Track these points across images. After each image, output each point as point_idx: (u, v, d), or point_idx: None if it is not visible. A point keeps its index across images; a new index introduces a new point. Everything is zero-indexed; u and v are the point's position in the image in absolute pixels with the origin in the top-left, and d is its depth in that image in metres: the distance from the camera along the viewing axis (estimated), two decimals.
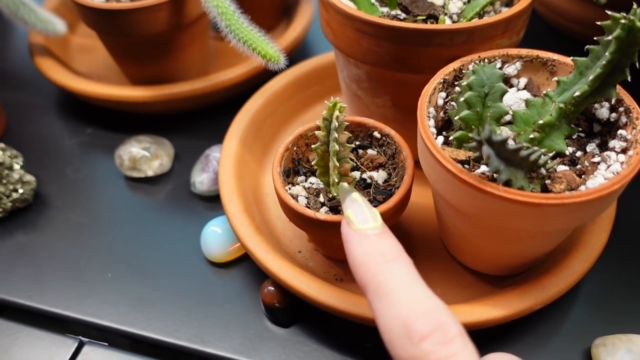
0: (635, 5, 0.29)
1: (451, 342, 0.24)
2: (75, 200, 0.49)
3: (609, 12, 0.30)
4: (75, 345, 0.40)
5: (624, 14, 0.29)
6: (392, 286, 0.26)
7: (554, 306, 0.39)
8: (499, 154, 0.29)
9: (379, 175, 0.38)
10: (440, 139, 0.34)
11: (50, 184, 0.50)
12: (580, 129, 0.35)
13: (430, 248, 0.42)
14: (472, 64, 0.36)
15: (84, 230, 0.47)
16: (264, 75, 0.53)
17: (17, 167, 0.47)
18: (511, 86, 0.38)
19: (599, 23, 0.30)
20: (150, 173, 0.49)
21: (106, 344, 0.40)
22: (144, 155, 0.49)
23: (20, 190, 0.47)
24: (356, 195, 0.30)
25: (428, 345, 0.24)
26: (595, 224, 0.39)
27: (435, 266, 0.40)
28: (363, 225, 0.28)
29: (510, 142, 0.29)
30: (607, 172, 0.32)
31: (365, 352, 0.38)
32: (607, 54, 0.30)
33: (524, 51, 0.37)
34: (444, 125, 0.37)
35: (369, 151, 0.40)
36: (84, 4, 0.47)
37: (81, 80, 0.53)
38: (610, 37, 0.30)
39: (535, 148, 0.30)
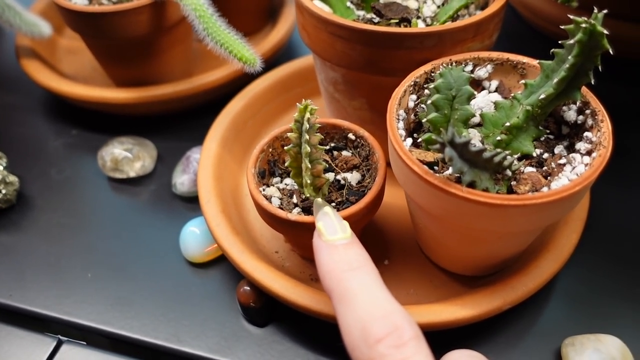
0: (595, 10, 0.30)
1: (405, 345, 0.24)
2: (58, 201, 0.49)
3: (571, 17, 0.30)
4: (54, 344, 0.40)
5: (585, 18, 0.30)
6: (355, 292, 0.27)
7: (525, 306, 0.39)
8: (462, 156, 0.29)
9: (353, 177, 0.39)
10: (409, 140, 0.35)
11: (34, 184, 0.51)
12: (549, 132, 0.36)
13: (405, 248, 0.42)
14: (442, 66, 0.36)
15: (66, 230, 0.47)
16: (246, 78, 0.53)
17: (0, 167, 0.48)
18: (483, 89, 0.38)
19: (562, 27, 0.31)
20: (132, 174, 0.50)
21: (84, 343, 0.41)
22: (126, 156, 0.50)
23: (3, 191, 0.47)
24: (328, 209, 0.32)
25: (382, 348, 0.24)
26: (566, 224, 0.39)
27: (410, 266, 0.41)
28: (332, 236, 0.30)
29: (474, 144, 0.29)
30: (571, 174, 0.32)
31: (337, 352, 0.38)
32: (570, 57, 0.31)
33: (494, 54, 0.37)
34: (416, 128, 0.37)
35: (344, 153, 0.40)
36: (66, 7, 0.48)
37: (66, 82, 0.54)
38: (573, 41, 0.30)
39: (499, 150, 0.30)
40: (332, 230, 0.30)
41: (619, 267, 0.42)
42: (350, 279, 0.27)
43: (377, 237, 0.43)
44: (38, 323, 0.42)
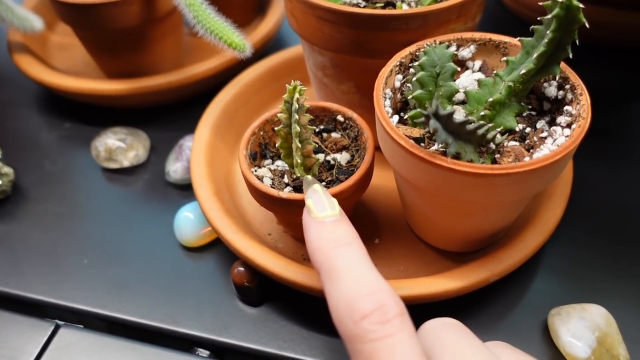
0: None
1: (389, 322, 0.25)
2: (52, 191, 0.50)
3: None
4: (52, 328, 0.41)
5: None
6: (342, 268, 0.27)
7: (513, 279, 0.41)
8: (446, 128, 0.30)
9: (342, 157, 0.40)
10: (396, 117, 0.36)
11: (29, 176, 0.51)
12: (531, 107, 0.37)
13: (395, 228, 0.43)
14: (426, 46, 0.37)
15: (61, 219, 0.48)
16: (236, 68, 0.55)
17: None
18: (467, 69, 0.39)
19: (540, 3, 0.32)
20: (126, 163, 0.51)
21: (82, 326, 0.41)
22: (120, 146, 0.50)
23: None
24: (317, 187, 0.32)
25: (367, 324, 0.25)
26: (550, 200, 0.40)
27: (400, 244, 0.42)
28: (321, 213, 0.30)
29: (457, 116, 0.30)
30: (552, 146, 0.33)
31: (329, 328, 0.39)
32: (548, 32, 0.32)
33: (477, 34, 0.39)
34: (402, 107, 0.38)
35: (333, 134, 0.41)
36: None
37: (59, 75, 0.55)
38: (550, 16, 0.31)
39: (482, 122, 0.31)
40: (321, 207, 0.31)
41: (603, 241, 0.43)
42: (337, 256, 0.28)
43: (367, 217, 0.44)
44: (36, 308, 0.43)
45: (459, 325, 0.28)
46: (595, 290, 0.40)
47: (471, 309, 0.40)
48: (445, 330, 0.27)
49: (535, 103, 0.37)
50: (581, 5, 0.30)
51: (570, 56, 0.32)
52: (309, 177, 0.35)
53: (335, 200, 0.31)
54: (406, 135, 0.33)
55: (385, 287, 0.26)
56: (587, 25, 0.31)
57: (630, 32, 0.58)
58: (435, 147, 0.34)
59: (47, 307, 0.42)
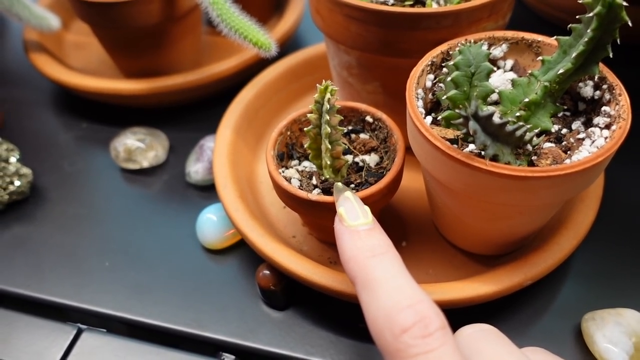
0: None
1: (431, 336, 0.24)
2: (71, 193, 0.50)
3: None
4: (74, 332, 0.40)
5: None
6: (379, 279, 0.26)
7: (544, 284, 0.40)
8: (485, 129, 0.30)
9: (371, 159, 0.39)
10: (429, 119, 0.35)
11: (47, 176, 0.51)
12: (566, 108, 0.36)
13: (423, 231, 0.42)
14: (460, 45, 0.37)
15: (81, 221, 0.47)
16: (256, 67, 0.54)
17: (13, 160, 0.48)
18: (498, 68, 0.39)
19: (580, 1, 0.31)
20: (145, 164, 0.50)
21: (104, 330, 0.41)
22: (139, 146, 0.50)
23: (17, 183, 0.47)
24: (349, 194, 0.32)
25: (408, 338, 0.24)
26: (582, 202, 0.40)
27: (428, 248, 0.41)
28: (354, 221, 0.30)
29: (496, 117, 0.29)
30: (591, 147, 0.32)
31: (358, 332, 0.38)
32: (589, 31, 0.31)
33: (509, 33, 0.38)
34: (433, 107, 0.37)
35: (361, 135, 0.41)
36: None
37: (75, 75, 0.54)
38: (591, 14, 0.31)
39: (521, 123, 0.30)
40: (354, 216, 0.30)
41: (634, 245, 0.42)
42: (374, 266, 0.27)
43: (394, 220, 0.43)
44: (57, 312, 0.42)
45: (495, 332, 0.27)
46: (628, 294, 0.40)
47: (502, 313, 0.39)
48: (483, 338, 0.27)
49: (570, 103, 0.36)
50: (624, 3, 0.29)
51: (611, 55, 0.32)
52: (340, 184, 0.34)
53: (367, 208, 0.31)
54: (441, 137, 0.32)
55: (425, 298, 0.25)
56: (630, 24, 0.30)
57: None
58: (469, 148, 0.33)
59: (69, 311, 0.42)
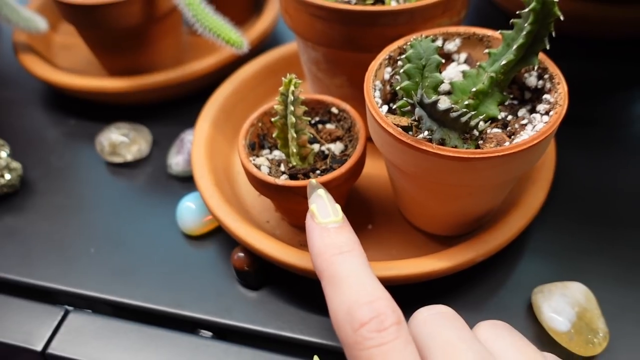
0: None
1: (386, 330, 0.26)
2: (59, 185, 0.52)
3: None
4: (62, 313, 0.43)
5: None
6: (343, 276, 0.28)
7: (500, 260, 0.43)
8: (432, 116, 0.33)
9: (336, 147, 0.42)
10: (385, 108, 0.38)
11: (36, 170, 0.54)
12: (513, 97, 0.39)
13: (387, 214, 0.45)
14: (413, 40, 0.39)
15: (68, 211, 0.50)
16: (234, 65, 0.57)
17: (3, 154, 0.50)
18: (452, 61, 0.41)
19: None
20: (129, 157, 0.53)
21: (90, 311, 0.43)
22: (123, 140, 0.52)
23: (8, 176, 0.50)
24: (322, 192, 0.33)
25: (365, 331, 0.26)
26: (533, 184, 0.43)
27: (392, 230, 0.44)
28: (325, 219, 0.31)
29: (442, 104, 0.32)
30: (532, 132, 0.35)
31: (325, 310, 0.41)
32: (526, 25, 0.34)
33: (462, 29, 0.41)
34: (391, 98, 0.40)
35: (327, 125, 0.44)
36: (62, 0, 0.51)
37: (63, 74, 0.57)
38: (528, 10, 0.34)
39: (465, 110, 0.33)
40: (325, 213, 0.31)
41: (586, 224, 0.45)
42: (339, 263, 0.28)
43: (361, 205, 0.46)
44: (46, 295, 0.45)
45: (450, 315, 0.28)
46: (578, 269, 0.42)
47: (460, 289, 0.42)
48: (436, 321, 0.28)
49: (517, 93, 0.39)
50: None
51: (548, 47, 0.35)
52: (314, 180, 0.35)
53: (338, 206, 0.32)
54: (394, 124, 0.35)
55: (384, 295, 0.27)
56: (562, 18, 0.33)
57: (612, 26, 0.60)
58: (422, 135, 0.36)
59: (56, 294, 0.45)
